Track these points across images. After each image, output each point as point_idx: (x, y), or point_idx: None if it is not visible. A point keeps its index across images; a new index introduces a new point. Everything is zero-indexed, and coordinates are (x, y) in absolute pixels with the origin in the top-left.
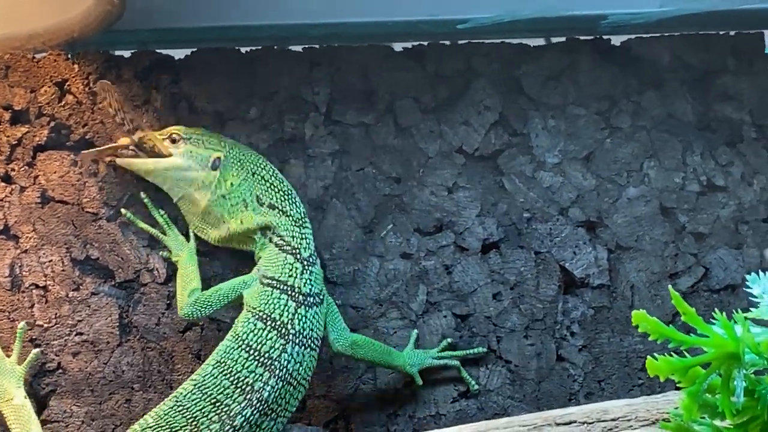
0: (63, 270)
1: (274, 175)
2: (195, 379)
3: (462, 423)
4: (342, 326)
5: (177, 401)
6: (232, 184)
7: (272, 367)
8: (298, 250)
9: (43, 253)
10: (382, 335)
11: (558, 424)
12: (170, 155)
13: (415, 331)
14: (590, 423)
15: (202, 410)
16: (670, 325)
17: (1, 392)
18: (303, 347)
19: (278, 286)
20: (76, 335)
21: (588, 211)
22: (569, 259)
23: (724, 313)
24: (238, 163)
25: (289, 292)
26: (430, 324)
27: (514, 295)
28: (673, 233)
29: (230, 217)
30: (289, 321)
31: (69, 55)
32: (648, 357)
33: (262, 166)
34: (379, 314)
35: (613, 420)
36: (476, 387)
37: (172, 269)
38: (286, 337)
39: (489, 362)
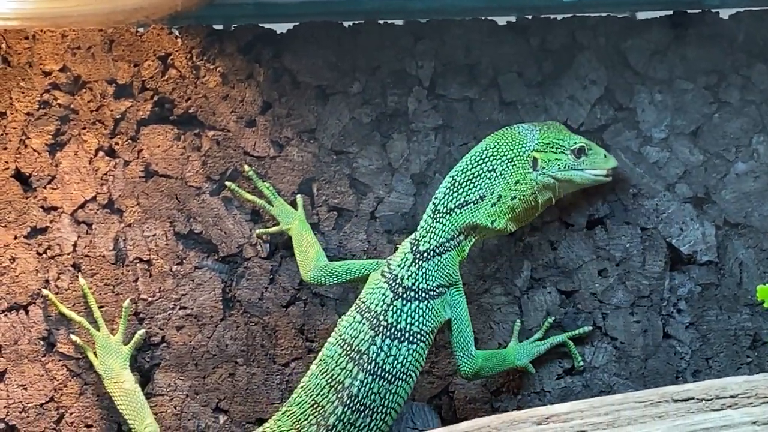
0: (167, 244)
1: None
2: (303, 382)
3: (567, 400)
4: (470, 353)
5: (287, 408)
6: None
7: (360, 360)
8: (417, 242)
9: (147, 227)
10: (485, 311)
11: (675, 401)
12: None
13: (518, 322)
14: (708, 400)
15: (305, 413)
16: None
17: (109, 372)
18: (396, 340)
19: (385, 274)
20: (180, 309)
21: (695, 186)
22: (676, 235)
23: None
24: None
25: (391, 282)
26: (534, 300)
27: (619, 272)
28: None
29: None
30: (383, 312)
31: (172, 30)
32: None
33: None
34: (482, 290)
35: (732, 397)
36: (581, 363)
37: (274, 244)
38: (377, 329)
39: (594, 339)
